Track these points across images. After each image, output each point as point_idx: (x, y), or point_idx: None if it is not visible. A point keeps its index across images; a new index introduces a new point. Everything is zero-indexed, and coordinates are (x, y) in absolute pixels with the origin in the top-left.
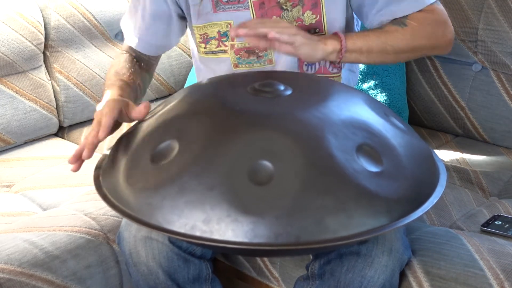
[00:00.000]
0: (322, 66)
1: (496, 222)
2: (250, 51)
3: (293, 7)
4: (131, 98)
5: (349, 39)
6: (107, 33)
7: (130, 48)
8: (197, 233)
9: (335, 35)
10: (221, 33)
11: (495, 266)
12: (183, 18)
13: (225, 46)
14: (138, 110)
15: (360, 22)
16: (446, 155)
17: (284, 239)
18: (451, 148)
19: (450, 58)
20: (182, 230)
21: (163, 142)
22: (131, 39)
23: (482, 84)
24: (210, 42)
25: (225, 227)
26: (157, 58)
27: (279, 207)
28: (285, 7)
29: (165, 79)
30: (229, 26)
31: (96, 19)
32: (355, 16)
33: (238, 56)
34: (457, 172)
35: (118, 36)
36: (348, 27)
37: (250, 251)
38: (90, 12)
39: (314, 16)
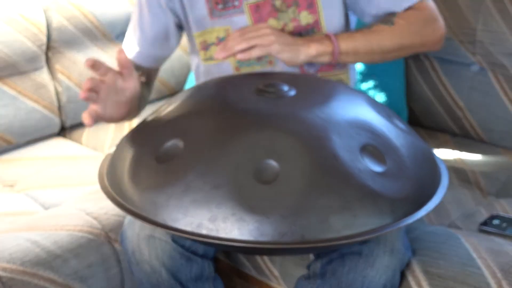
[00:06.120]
0: (323, 66)
1: (494, 222)
2: None
3: (288, 7)
4: (135, 106)
5: (340, 41)
6: (108, 34)
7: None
8: (204, 231)
9: (326, 37)
10: (219, 38)
11: (493, 265)
12: (179, 27)
13: None
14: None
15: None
16: (444, 155)
17: (289, 238)
18: (450, 148)
19: (449, 59)
20: (188, 228)
21: (168, 141)
22: (131, 52)
23: (481, 85)
24: (210, 48)
25: (231, 226)
26: (156, 71)
27: (284, 206)
28: (280, 8)
29: (166, 79)
30: (226, 31)
31: (98, 20)
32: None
33: (238, 59)
34: (456, 171)
35: (120, 37)
36: (346, 26)
37: (255, 250)
38: (92, 14)
39: (311, 16)
